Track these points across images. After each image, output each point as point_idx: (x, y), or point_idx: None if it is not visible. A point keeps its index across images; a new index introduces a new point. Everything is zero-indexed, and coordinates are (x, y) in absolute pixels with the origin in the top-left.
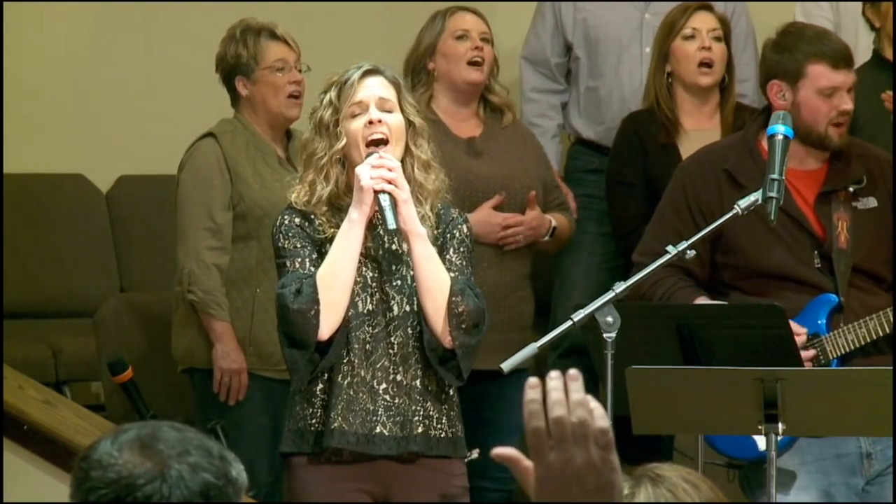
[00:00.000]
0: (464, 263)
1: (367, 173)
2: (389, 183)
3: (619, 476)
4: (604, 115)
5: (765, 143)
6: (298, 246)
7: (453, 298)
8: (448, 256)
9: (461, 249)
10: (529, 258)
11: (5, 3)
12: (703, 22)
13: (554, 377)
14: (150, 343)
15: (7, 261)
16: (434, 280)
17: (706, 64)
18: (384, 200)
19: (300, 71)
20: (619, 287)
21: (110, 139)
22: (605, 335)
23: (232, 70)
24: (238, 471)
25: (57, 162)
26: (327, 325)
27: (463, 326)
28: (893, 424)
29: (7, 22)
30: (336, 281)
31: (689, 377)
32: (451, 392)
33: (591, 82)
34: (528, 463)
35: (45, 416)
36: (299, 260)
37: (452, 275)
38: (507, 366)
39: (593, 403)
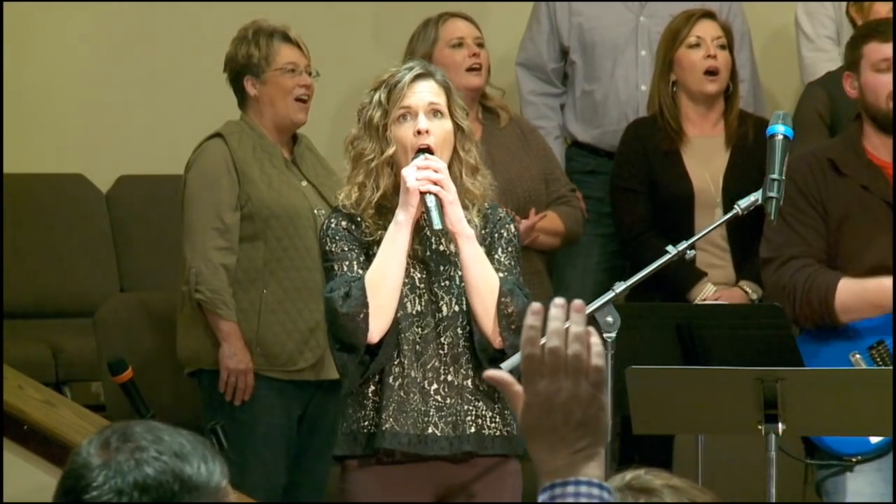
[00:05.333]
0: (512, 263)
1: (413, 175)
2: (435, 184)
3: (607, 415)
4: (600, 119)
5: (865, 142)
6: (346, 249)
7: (503, 299)
8: (497, 256)
9: (509, 249)
10: (538, 254)
11: (5, 3)
12: (707, 30)
13: (557, 304)
14: (150, 343)
15: (7, 261)
16: (483, 281)
17: (711, 72)
18: (430, 201)
19: (310, 75)
20: (619, 287)
21: (110, 139)
22: (605, 335)
23: (242, 70)
24: (200, 470)
25: (57, 162)
26: (377, 328)
27: (513, 327)
28: (893, 424)
29: (7, 22)
30: (385, 283)
31: (689, 377)
32: None
33: (588, 86)
34: (519, 388)
35: (45, 416)
36: (347, 263)
37: (501, 275)
38: (507, 365)
39: (593, 338)
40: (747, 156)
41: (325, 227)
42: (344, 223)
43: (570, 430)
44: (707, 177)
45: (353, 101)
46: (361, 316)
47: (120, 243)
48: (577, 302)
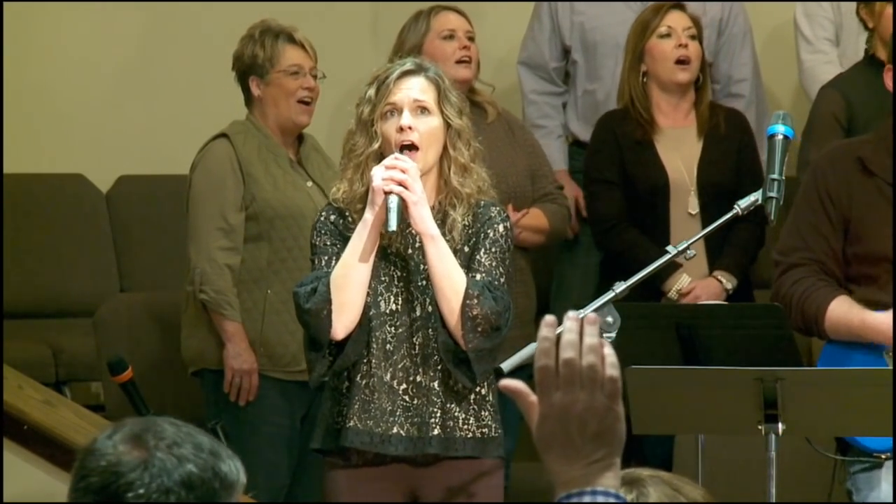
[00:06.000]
0: (493, 264)
1: (380, 174)
2: (400, 184)
3: (622, 426)
4: None
5: None
6: (328, 244)
7: (467, 301)
8: (478, 256)
9: (493, 249)
10: (522, 252)
11: (5, 3)
12: (677, 21)
13: (570, 318)
14: (150, 343)
15: (7, 261)
16: (447, 281)
17: (682, 61)
18: (391, 202)
19: (315, 77)
20: (619, 287)
21: (110, 139)
22: (605, 335)
23: (247, 70)
24: (231, 468)
25: (57, 162)
26: (341, 325)
27: (479, 329)
28: (893, 424)
29: (7, 22)
30: (348, 281)
31: (689, 377)
32: (484, 392)
33: (589, 85)
34: (534, 398)
35: (45, 416)
36: (326, 258)
37: (479, 276)
38: (507, 366)
39: (607, 350)
40: (720, 146)
41: (315, 220)
42: (332, 217)
43: (587, 441)
44: (681, 166)
45: (350, 101)
46: (325, 313)
47: (120, 243)
48: (591, 315)
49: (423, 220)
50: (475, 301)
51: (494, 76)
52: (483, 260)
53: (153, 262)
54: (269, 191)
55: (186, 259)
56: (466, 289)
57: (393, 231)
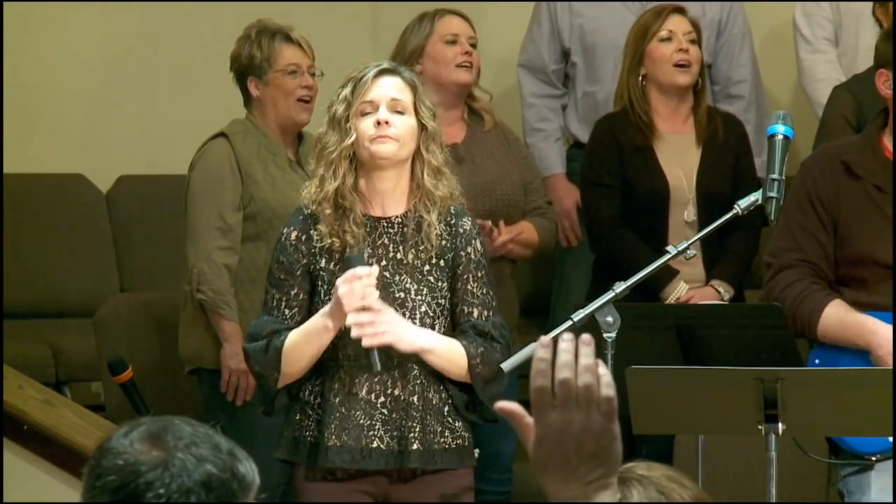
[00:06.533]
0: (484, 291)
1: (352, 318)
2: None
3: (619, 445)
4: None
5: (886, 140)
6: (283, 277)
7: (475, 370)
8: (469, 287)
9: (479, 274)
10: (508, 261)
11: (5, 3)
12: (677, 25)
13: (566, 339)
14: (150, 343)
15: (7, 261)
16: (451, 364)
17: (682, 65)
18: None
19: (313, 76)
20: (619, 287)
21: (110, 139)
22: (605, 335)
23: (245, 70)
24: (248, 469)
25: (57, 162)
26: (283, 385)
27: (489, 382)
28: (893, 424)
29: (7, 22)
30: (299, 359)
31: (689, 377)
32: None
33: (589, 87)
34: (530, 419)
35: (45, 416)
36: (278, 298)
37: (476, 311)
38: (506, 366)
39: (602, 370)
40: (719, 153)
41: (280, 235)
42: (295, 234)
43: (583, 461)
44: (681, 173)
45: None
46: (272, 378)
47: (120, 243)
48: (586, 336)
49: (411, 345)
50: (479, 365)
51: (494, 78)
52: (475, 290)
53: (153, 262)
54: (267, 191)
55: (186, 259)
56: (469, 358)
57: (378, 373)
